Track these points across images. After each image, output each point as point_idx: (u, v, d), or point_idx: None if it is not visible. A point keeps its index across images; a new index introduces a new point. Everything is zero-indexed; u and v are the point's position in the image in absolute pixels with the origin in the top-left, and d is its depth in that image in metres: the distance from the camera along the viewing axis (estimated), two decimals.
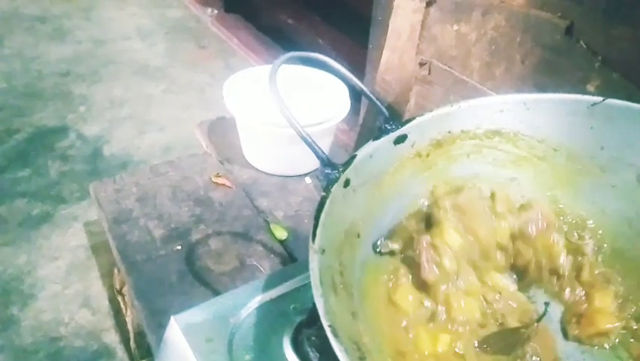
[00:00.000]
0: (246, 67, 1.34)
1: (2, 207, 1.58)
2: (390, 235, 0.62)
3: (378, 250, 0.62)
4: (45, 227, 1.52)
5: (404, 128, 0.60)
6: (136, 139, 1.91)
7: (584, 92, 0.85)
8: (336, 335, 0.41)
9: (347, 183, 0.55)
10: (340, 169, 0.54)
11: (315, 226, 0.49)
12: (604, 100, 0.62)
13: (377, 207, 0.60)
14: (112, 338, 1.23)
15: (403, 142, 0.61)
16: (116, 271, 1.29)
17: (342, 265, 0.52)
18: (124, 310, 1.25)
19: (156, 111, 2.08)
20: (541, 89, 0.93)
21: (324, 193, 0.52)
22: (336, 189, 0.53)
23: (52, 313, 1.28)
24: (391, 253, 0.62)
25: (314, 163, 1.27)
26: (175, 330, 0.63)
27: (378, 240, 0.62)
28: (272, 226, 1.12)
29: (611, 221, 0.64)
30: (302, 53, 0.61)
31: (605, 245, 0.63)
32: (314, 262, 0.47)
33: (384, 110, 0.61)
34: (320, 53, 0.63)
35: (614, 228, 0.63)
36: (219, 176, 1.25)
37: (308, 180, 1.27)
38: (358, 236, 0.57)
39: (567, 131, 0.64)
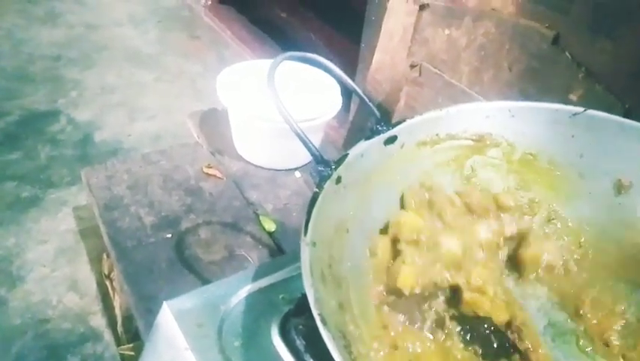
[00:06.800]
0: (239, 59, 1.36)
1: None
2: None
3: None
4: (34, 210, 1.52)
5: (395, 129, 0.63)
6: (126, 126, 1.92)
7: (567, 101, 0.89)
8: (324, 323, 0.43)
9: (339, 180, 0.57)
10: (333, 167, 0.57)
11: (308, 220, 0.52)
12: (585, 110, 0.65)
13: (365, 203, 0.62)
14: (99, 322, 1.25)
15: (392, 143, 0.63)
16: (104, 256, 1.31)
17: (331, 257, 0.55)
18: (112, 295, 1.27)
19: (147, 99, 2.09)
20: (527, 96, 0.97)
21: (316, 189, 0.55)
22: (328, 185, 0.55)
23: (40, 295, 1.29)
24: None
25: (304, 158, 1.30)
26: (167, 315, 0.65)
27: None
28: (261, 217, 1.15)
29: (587, 225, 0.67)
30: (300, 54, 0.64)
31: (580, 249, 0.67)
32: (305, 254, 0.49)
33: (376, 111, 0.63)
34: (312, 48, 0.66)
35: (589, 232, 0.67)
36: (210, 167, 1.27)
37: (298, 174, 1.30)
38: (347, 231, 0.60)
39: (549, 138, 0.68)
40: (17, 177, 1.63)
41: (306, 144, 0.57)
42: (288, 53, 0.63)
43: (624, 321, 0.60)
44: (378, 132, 0.62)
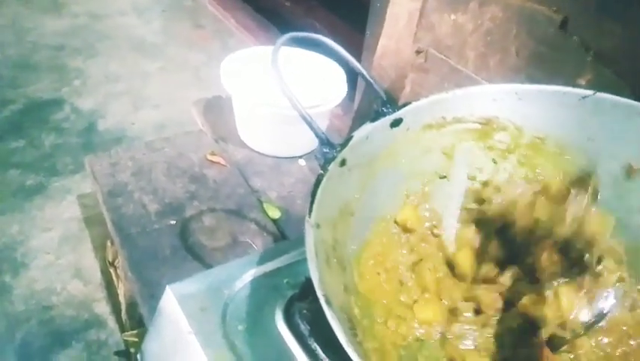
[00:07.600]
0: (243, 47, 1.35)
1: None
2: None
3: None
4: (38, 198, 1.53)
5: (400, 112, 0.62)
6: (130, 115, 1.92)
7: (576, 85, 0.87)
8: (329, 304, 0.43)
9: (343, 163, 0.56)
10: (337, 149, 0.56)
11: (312, 202, 0.51)
12: (594, 93, 0.64)
13: (370, 187, 0.62)
14: (103, 309, 1.25)
15: (398, 125, 0.62)
16: (108, 243, 1.31)
17: (335, 240, 0.54)
18: (116, 282, 1.27)
19: (151, 88, 2.08)
20: (534, 81, 0.95)
21: (321, 171, 0.54)
22: (333, 167, 0.55)
23: (44, 282, 1.30)
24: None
25: (308, 145, 1.29)
26: (170, 299, 0.65)
27: None
28: (265, 205, 1.14)
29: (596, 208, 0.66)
30: (303, 34, 0.63)
31: None
32: (309, 236, 0.48)
33: (382, 93, 0.62)
34: None
35: (598, 215, 0.66)
36: (214, 154, 1.26)
37: (302, 161, 1.29)
38: (352, 214, 0.59)
39: (557, 122, 0.66)
40: (22, 165, 1.64)
41: (310, 125, 0.56)
42: (291, 34, 0.62)
43: None
44: (384, 114, 0.61)
